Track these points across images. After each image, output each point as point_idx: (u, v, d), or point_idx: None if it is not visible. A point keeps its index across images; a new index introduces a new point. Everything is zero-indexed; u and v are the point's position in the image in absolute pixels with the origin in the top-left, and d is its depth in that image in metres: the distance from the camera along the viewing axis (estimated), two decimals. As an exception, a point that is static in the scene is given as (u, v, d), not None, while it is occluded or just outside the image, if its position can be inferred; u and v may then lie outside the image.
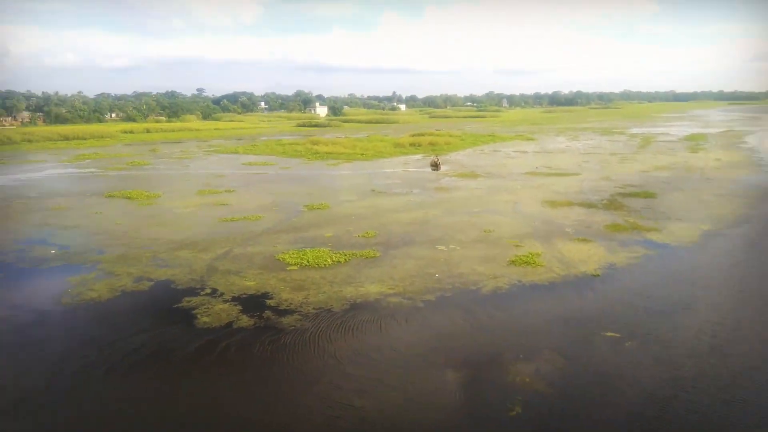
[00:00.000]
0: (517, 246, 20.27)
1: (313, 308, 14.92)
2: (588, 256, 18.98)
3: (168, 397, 11.14)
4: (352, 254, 19.58)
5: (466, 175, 39.14)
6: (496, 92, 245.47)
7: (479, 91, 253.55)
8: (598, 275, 17.14)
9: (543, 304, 15.07)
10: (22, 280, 17.89)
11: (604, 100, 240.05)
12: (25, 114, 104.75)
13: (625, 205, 27.73)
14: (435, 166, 42.37)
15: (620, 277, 17.10)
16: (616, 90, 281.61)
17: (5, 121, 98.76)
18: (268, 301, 15.38)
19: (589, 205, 27.70)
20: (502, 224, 23.80)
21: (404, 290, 16.08)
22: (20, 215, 27.38)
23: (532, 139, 70.01)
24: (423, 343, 12.94)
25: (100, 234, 23.03)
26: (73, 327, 14.26)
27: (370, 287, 16.43)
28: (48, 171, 43.63)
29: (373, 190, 33.49)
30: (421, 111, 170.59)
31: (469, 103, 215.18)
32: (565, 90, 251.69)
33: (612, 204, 28.07)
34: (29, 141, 68.73)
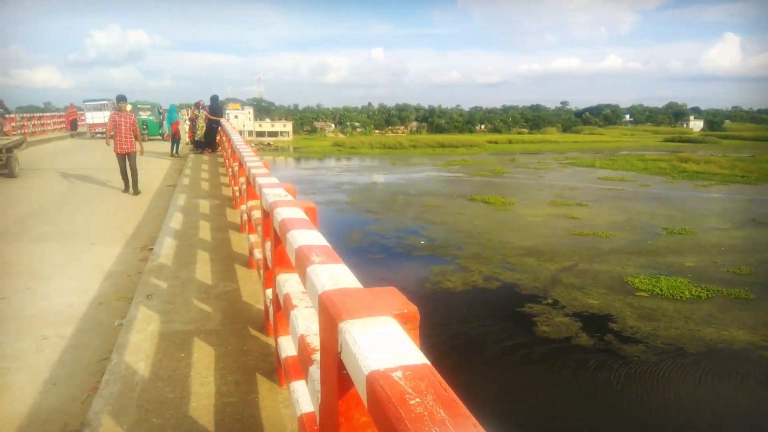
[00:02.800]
0: None
1: (662, 343, 13.59)
2: None
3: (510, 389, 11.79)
4: (717, 291, 17.02)
5: None
6: None
7: None
8: None
9: None
10: (397, 263, 21.47)
11: None
12: (414, 124, 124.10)
13: None
14: None
15: None
16: None
17: (398, 129, 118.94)
18: (611, 324, 14.71)
19: None
20: None
21: (785, 346, 13.19)
22: (401, 208, 32.79)
23: None
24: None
25: (460, 232, 25.79)
26: (431, 309, 16.48)
27: (737, 333, 14.01)
28: (425, 173, 50.88)
29: (754, 220, 28.21)
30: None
31: None
32: None
33: None
34: (414, 146, 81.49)
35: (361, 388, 1.42)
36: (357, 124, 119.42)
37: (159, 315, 4.46)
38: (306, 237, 2.64)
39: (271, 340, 4.02)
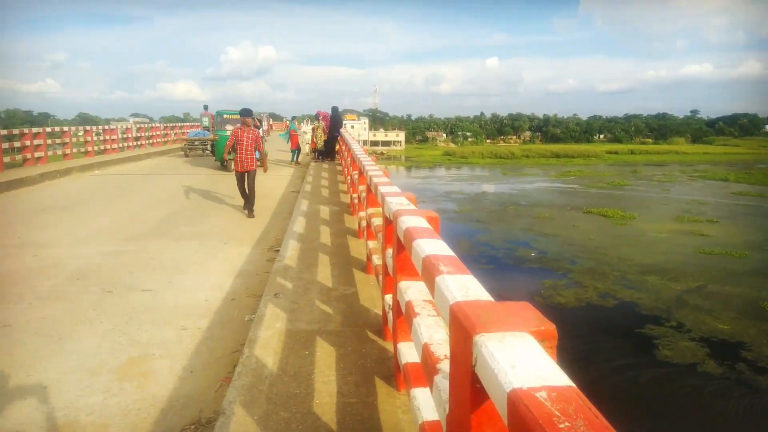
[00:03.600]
0: None
1: (809, 378, 12.11)
2: None
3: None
4: None
5: None
6: None
7: None
8: None
9: None
10: (506, 274, 21.00)
11: None
12: (527, 133, 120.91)
13: None
14: None
15: None
16: None
17: (510, 139, 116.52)
18: (744, 353, 13.34)
19: None
20: None
21: None
22: (511, 219, 32.04)
23: None
24: None
25: (574, 246, 24.69)
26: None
27: None
28: (537, 184, 49.34)
29: None
30: None
31: None
32: None
33: None
34: (527, 156, 79.42)
35: (500, 404, 1.41)
36: (468, 133, 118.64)
37: (285, 313, 4.73)
38: (432, 246, 2.68)
39: (388, 345, 4.10)
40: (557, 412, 1.26)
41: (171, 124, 33.50)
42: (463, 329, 1.77)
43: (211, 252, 7.69)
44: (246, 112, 10.21)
